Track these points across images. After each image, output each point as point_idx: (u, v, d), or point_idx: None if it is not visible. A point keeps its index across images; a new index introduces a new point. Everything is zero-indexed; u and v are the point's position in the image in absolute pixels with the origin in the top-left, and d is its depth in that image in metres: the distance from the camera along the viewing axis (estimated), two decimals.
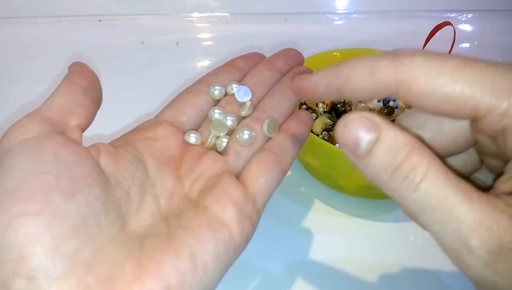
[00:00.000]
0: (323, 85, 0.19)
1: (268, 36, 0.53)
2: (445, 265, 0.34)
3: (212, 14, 0.54)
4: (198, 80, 0.27)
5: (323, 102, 0.41)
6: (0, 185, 0.17)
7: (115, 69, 0.49)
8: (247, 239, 0.21)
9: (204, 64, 0.51)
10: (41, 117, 0.20)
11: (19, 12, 0.52)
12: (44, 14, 0.52)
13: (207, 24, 0.55)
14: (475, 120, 0.16)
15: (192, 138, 0.24)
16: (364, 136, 0.16)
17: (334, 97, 0.19)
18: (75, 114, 0.21)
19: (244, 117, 0.26)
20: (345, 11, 0.56)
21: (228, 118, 0.25)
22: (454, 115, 0.16)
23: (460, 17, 0.55)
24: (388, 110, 0.40)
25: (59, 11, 0.52)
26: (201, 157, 0.24)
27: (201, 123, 0.26)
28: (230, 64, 0.28)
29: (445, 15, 0.55)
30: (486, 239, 0.14)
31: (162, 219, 0.20)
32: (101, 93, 0.23)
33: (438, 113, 0.16)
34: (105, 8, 0.53)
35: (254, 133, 0.24)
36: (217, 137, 0.25)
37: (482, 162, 0.19)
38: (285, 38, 0.53)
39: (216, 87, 0.26)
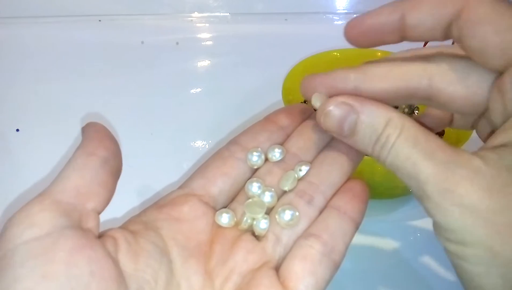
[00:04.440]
0: (385, 15, 0.19)
1: (268, 36, 0.53)
2: (446, 265, 0.34)
3: (212, 14, 0.54)
4: (232, 140, 0.23)
5: None
6: None
7: (115, 69, 0.49)
8: None
9: (204, 64, 0.51)
10: (53, 202, 0.16)
11: (19, 12, 0.52)
12: (44, 14, 0.52)
13: (207, 24, 0.55)
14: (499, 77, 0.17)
15: (225, 218, 0.20)
16: (345, 121, 0.18)
17: (391, 36, 0.19)
18: (93, 195, 0.17)
19: (286, 191, 0.21)
20: (345, 11, 0.56)
21: (267, 193, 0.21)
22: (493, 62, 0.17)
23: None
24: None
25: (59, 11, 0.52)
26: (234, 244, 0.20)
27: (236, 196, 0.22)
28: (271, 121, 0.23)
29: None
30: (439, 185, 0.16)
31: None
32: (121, 161, 0.19)
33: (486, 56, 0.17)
34: (105, 8, 0.53)
35: (297, 213, 0.20)
36: (253, 218, 0.21)
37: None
38: (285, 38, 0.53)
39: (255, 153, 0.22)
